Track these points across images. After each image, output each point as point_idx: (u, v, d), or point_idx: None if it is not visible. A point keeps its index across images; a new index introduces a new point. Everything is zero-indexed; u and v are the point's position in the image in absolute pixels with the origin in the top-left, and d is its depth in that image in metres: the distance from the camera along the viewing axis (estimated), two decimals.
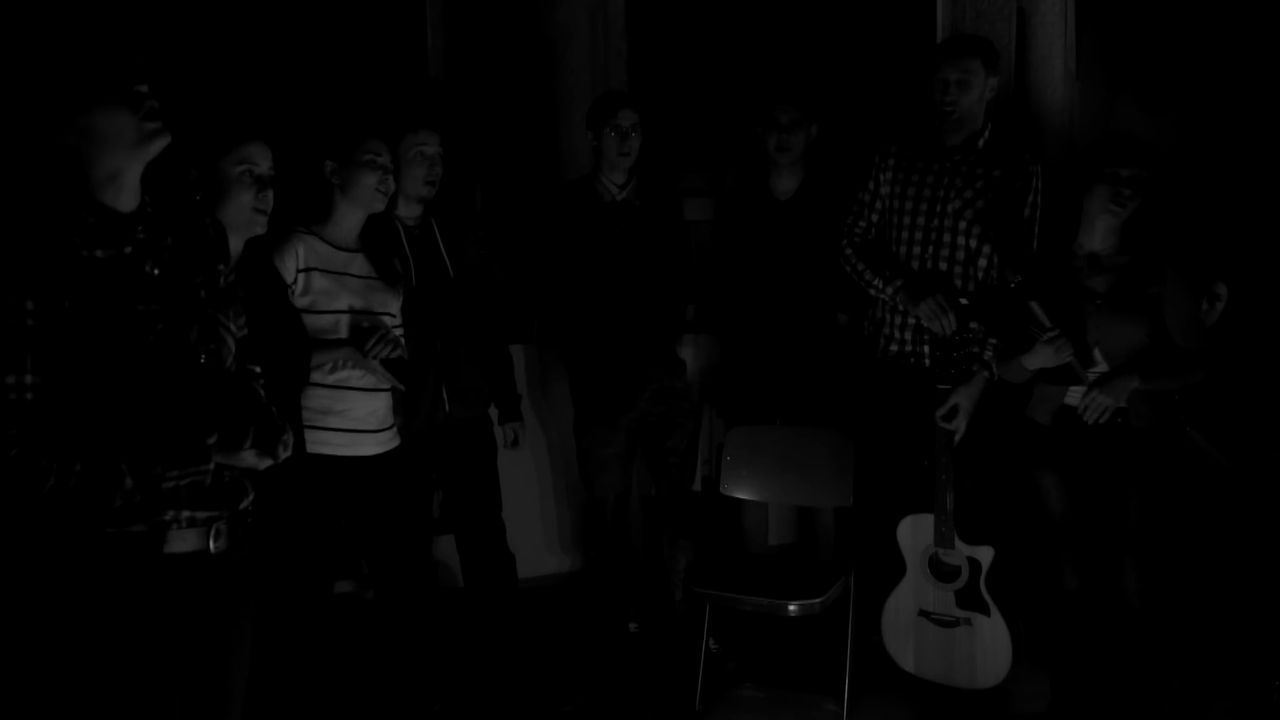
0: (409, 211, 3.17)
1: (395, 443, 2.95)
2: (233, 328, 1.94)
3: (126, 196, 1.79)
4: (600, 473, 3.58)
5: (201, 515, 1.82)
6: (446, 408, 3.18)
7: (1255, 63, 3.73)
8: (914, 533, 3.16)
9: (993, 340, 3.19)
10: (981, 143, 3.25)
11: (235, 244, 2.50)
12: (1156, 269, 2.94)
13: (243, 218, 2.47)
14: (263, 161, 2.50)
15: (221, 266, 1.96)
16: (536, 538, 4.12)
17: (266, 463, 1.88)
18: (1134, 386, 2.89)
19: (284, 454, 1.91)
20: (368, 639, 3.05)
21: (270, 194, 2.52)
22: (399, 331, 2.93)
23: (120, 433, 1.73)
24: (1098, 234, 3.00)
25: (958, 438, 3.13)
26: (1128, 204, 2.93)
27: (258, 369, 2.06)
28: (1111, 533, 2.97)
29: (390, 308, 2.93)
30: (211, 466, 1.81)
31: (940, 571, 3.13)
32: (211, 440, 1.80)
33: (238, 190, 2.46)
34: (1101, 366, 2.96)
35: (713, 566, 3.38)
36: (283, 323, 2.64)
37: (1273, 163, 3.76)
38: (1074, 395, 2.97)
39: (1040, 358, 2.94)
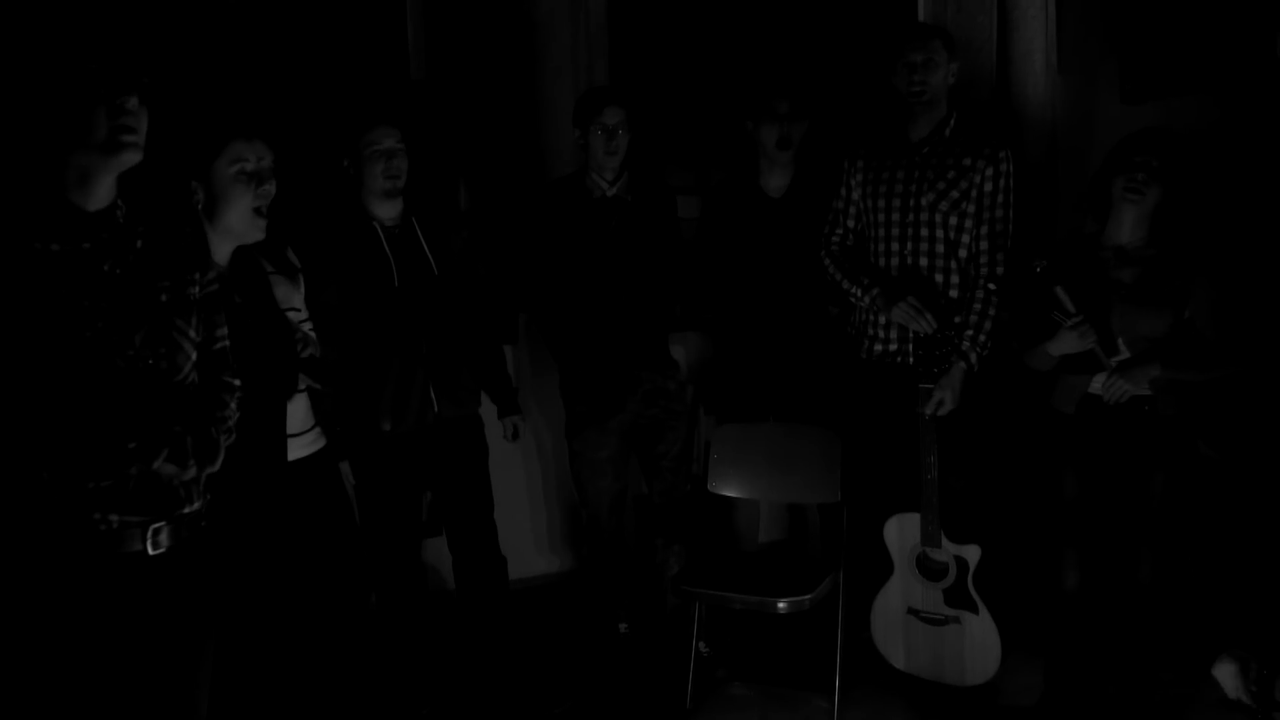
0: (384, 211, 3.15)
1: (320, 443, 2.86)
2: (191, 334, 1.94)
3: (95, 198, 1.83)
4: (594, 477, 3.55)
5: (134, 519, 1.85)
6: (435, 408, 3.16)
7: (1240, 54, 3.72)
8: (901, 531, 3.17)
9: (969, 332, 3.18)
10: (948, 131, 3.25)
11: (228, 250, 2.49)
12: (1184, 262, 2.93)
13: (245, 221, 2.45)
14: (252, 157, 2.47)
15: (197, 275, 1.97)
16: (526, 539, 4.13)
17: (187, 475, 1.89)
18: (1154, 375, 2.89)
19: (203, 470, 1.92)
20: (357, 642, 3.04)
21: (266, 189, 2.48)
22: (307, 326, 2.86)
23: (41, 429, 1.77)
24: (1125, 226, 2.97)
25: (942, 411, 3.13)
26: (1144, 190, 2.90)
27: (236, 382, 2.06)
28: (1129, 522, 2.97)
29: (293, 302, 2.83)
30: (133, 470, 1.83)
31: (928, 570, 3.14)
32: (131, 445, 1.81)
33: (238, 191, 2.43)
34: (1124, 355, 2.95)
35: (702, 565, 3.38)
36: (271, 330, 2.61)
37: (1258, 155, 3.76)
38: (1098, 384, 2.96)
39: (1064, 343, 2.93)
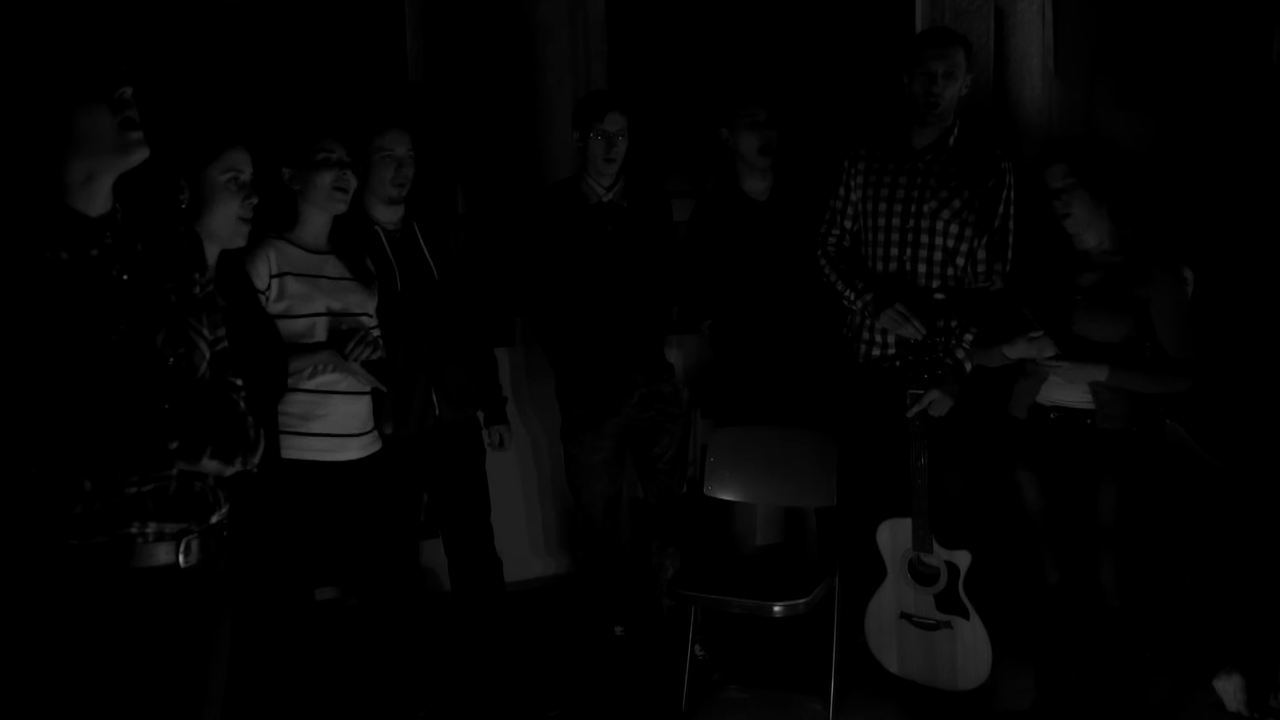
0: (386, 215, 3.16)
1: (376, 446, 2.94)
2: (206, 333, 1.93)
3: (97, 202, 1.81)
4: (589, 479, 3.55)
5: (170, 528, 1.81)
6: (436, 411, 3.18)
7: (1233, 59, 3.73)
8: (893, 537, 3.18)
9: (969, 335, 3.18)
10: (952, 140, 3.24)
11: (213, 254, 2.51)
12: (1146, 270, 2.91)
13: (229, 227, 2.48)
14: (246, 168, 2.50)
15: (196, 275, 1.96)
16: (522, 541, 4.14)
17: (230, 470, 1.87)
18: (1100, 378, 2.87)
19: (247, 464, 1.90)
20: (352, 644, 3.05)
21: (253, 201, 2.51)
22: (376, 332, 2.92)
23: (79, 435, 1.72)
24: (1086, 234, 2.97)
25: (936, 412, 3.13)
26: (1068, 209, 2.91)
27: (239, 381, 2.05)
28: (1086, 530, 2.98)
29: (367, 308, 2.91)
30: (174, 472, 1.80)
31: (919, 575, 3.15)
32: (173, 445, 1.78)
33: (225, 199, 2.46)
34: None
35: (698, 568, 3.39)
36: (258, 331, 2.63)
37: (1250, 157, 3.77)
38: (1044, 394, 2.98)
39: (1019, 350, 2.93)
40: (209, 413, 1.87)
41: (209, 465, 1.83)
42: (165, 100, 3.01)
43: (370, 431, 2.92)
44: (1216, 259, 3.45)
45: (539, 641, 3.72)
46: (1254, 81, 3.61)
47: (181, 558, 1.84)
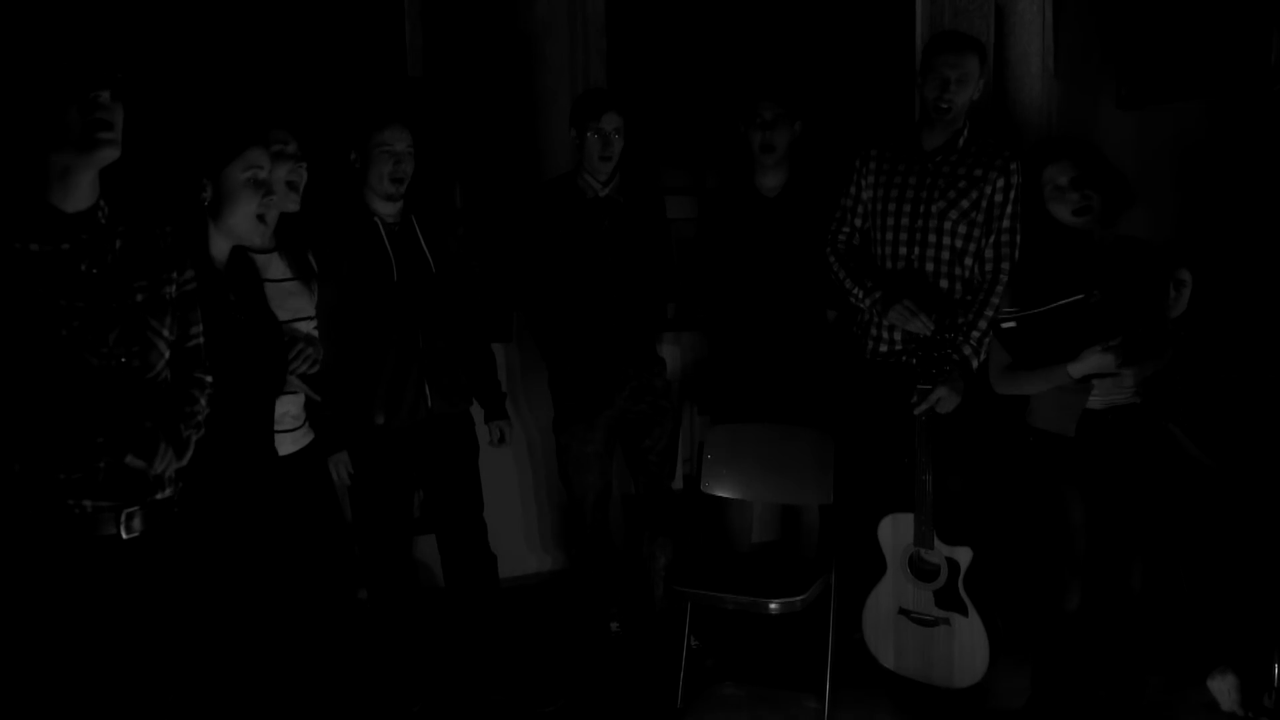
0: (385, 209, 3.17)
1: (309, 438, 2.88)
2: (165, 333, 1.99)
3: (75, 198, 1.88)
4: (580, 471, 3.57)
5: (105, 504, 1.91)
6: (429, 404, 3.17)
7: (1232, 60, 3.74)
8: (894, 532, 3.17)
9: (974, 333, 3.18)
10: (961, 142, 3.26)
11: (225, 250, 2.52)
12: (1161, 257, 2.93)
13: (247, 224, 2.49)
14: (266, 165, 2.51)
15: (174, 274, 2.02)
16: (517, 537, 4.13)
17: (155, 471, 1.95)
18: (1148, 373, 2.89)
19: (169, 467, 1.98)
20: (346, 640, 3.04)
21: (272, 198, 2.53)
22: (312, 327, 2.87)
23: (12, 420, 1.82)
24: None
25: (942, 409, 3.11)
26: (1089, 209, 2.87)
27: (208, 379, 2.12)
28: (1127, 532, 2.95)
29: (307, 310, 2.86)
30: (103, 464, 1.89)
31: (920, 571, 3.15)
32: (100, 440, 1.88)
33: (246, 196, 2.47)
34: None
35: (694, 565, 3.38)
36: (262, 329, 2.62)
37: (1249, 158, 3.78)
38: (1096, 401, 2.93)
39: (1092, 364, 2.84)
40: (147, 412, 1.95)
41: (134, 463, 1.93)
42: (187, 99, 3.05)
43: (302, 425, 2.86)
44: (1216, 259, 3.45)
45: (535, 637, 3.72)
46: (1253, 82, 3.62)
47: (123, 530, 1.94)
